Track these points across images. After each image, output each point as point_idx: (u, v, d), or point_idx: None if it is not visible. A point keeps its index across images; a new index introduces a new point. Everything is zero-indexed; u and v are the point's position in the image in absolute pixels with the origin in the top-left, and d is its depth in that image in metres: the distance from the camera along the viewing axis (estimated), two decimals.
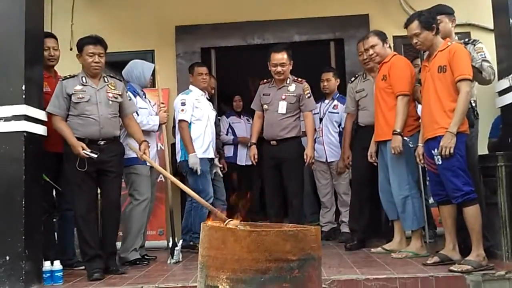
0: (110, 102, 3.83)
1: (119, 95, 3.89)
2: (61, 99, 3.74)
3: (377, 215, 4.71)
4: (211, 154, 4.72)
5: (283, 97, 4.59)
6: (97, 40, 3.86)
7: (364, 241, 4.48)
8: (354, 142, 4.75)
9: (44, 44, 3.96)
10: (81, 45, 3.84)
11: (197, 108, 4.70)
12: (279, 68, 4.54)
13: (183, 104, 4.64)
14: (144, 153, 3.82)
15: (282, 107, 4.56)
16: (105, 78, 3.89)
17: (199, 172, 4.52)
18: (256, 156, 4.64)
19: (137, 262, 4.11)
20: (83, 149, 3.63)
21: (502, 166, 3.63)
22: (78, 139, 3.70)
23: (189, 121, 4.63)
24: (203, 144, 4.65)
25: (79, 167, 3.66)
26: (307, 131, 4.65)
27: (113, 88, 3.86)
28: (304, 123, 4.67)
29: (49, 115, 3.73)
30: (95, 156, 3.65)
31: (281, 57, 4.54)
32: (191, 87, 4.87)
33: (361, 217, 4.54)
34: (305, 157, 4.55)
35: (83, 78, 3.81)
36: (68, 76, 3.81)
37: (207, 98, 4.96)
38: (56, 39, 4.25)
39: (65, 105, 3.74)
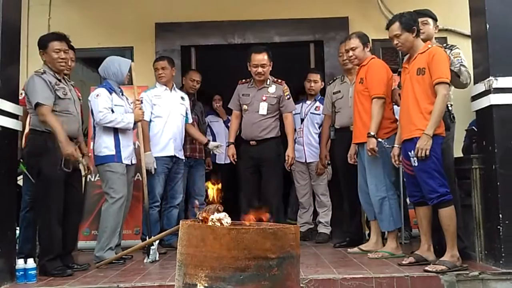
0: (80, 101, 3.92)
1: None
2: (49, 91, 3.65)
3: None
4: (170, 151, 4.63)
5: (264, 98, 4.60)
6: (61, 37, 3.86)
7: (356, 242, 4.44)
8: (334, 148, 4.81)
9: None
10: (45, 41, 3.80)
11: (155, 105, 4.65)
12: (259, 69, 4.54)
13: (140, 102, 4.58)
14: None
15: (263, 108, 4.58)
16: (65, 77, 3.90)
17: (153, 172, 4.47)
18: (235, 156, 4.64)
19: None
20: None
21: (476, 169, 3.69)
22: None
23: (148, 120, 4.56)
24: (159, 142, 4.59)
25: (64, 167, 3.59)
26: (287, 132, 4.68)
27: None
28: (284, 124, 4.69)
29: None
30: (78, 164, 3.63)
31: (261, 57, 4.55)
32: (156, 83, 4.82)
33: (353, 219, 4.64)
34: (286, 158, 4.58)
35: (56, 75, 3.77)
36: (41, 71, 3.72)
37: (192, 94, 4.93)
38: (75, 51, 4.27)
39: (53, 98, 3.66)
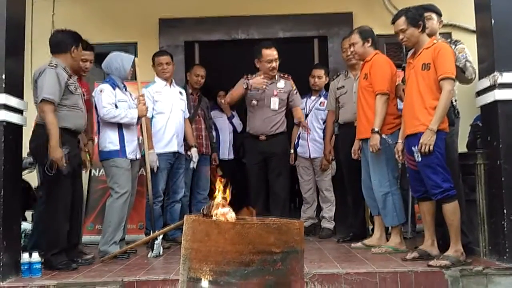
0: (85, 96, 3.98)
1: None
2: (58, 87, 3.62)
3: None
4: (173, 147, 4.63)
5: (275, 93, 4.64)
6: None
7: (360, 237, 4.44)
8: (338, 143, 4.81)
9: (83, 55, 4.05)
10: (80, 39, 3.92)
11: (157, 102, 4.64)
12: (274, 64, 4.60)
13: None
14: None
15: (274, 103, 4.64)
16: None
17: (155, 170, 4.47)
18: (265, 82, 4.58)
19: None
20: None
21: (481, 164, 3.69)
22: (68, 130, 3.68)
23: (150, 116, 4.54)
24: (163, 138, 4.60)
25: (48, 170, 3.52)
26: (299, 119, 4.80)
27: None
28: (295, 116, 4.80)
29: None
30: (66, 171, 3.55)
31: (273, 52, 4.60)
32: (155, 78, 4.79)
33: (357, 214, 4.64)
34: (301, 120, 4.71)
35: (66, 69, 3.77)
36: (55, 65, 3.67)
37: (197, 89, 4.98)
38: (94, 51, 4.32)
39: (60, 94, 3.65)
